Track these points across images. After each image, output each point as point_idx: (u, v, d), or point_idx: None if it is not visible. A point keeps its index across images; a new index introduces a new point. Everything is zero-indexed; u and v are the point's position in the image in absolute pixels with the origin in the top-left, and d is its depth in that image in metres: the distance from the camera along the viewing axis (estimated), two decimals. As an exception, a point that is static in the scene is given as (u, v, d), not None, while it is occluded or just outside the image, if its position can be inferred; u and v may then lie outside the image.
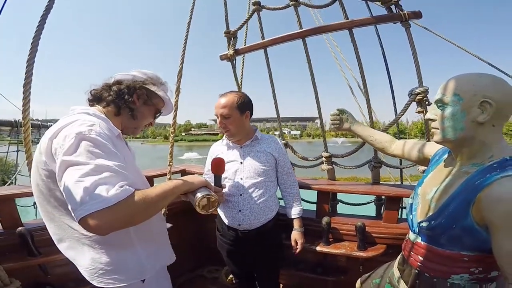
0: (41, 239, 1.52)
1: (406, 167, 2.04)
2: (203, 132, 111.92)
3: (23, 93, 1.39)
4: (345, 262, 1.88)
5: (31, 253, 1.51)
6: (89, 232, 0.87)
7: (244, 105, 1.54)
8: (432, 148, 1.17)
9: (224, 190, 1.57)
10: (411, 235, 1.04)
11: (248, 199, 1.54)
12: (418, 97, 1.72)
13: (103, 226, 0.75)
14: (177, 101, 1.90)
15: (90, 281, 0.99)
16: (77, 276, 1.60)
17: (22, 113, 1.42)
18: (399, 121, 2.08)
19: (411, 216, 1.04)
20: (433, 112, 0.95)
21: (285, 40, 2.11)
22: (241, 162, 1.58)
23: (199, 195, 1.03)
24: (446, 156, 1.03)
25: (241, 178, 1.55)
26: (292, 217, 1.66)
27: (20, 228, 1.51)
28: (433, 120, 0.94)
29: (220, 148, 1.69)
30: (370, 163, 2.04)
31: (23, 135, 1.43)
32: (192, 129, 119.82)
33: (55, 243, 1.01)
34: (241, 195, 1.54)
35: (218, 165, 1.36)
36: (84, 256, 0.97)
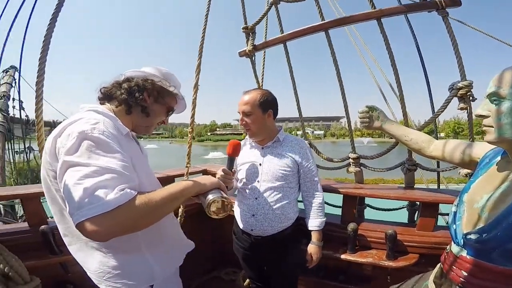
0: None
1: (445, 170, 1.84)
2: (227, 132, 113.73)
3: (36, 91, 1.39)
4: (370, 271, 1.74)
5: (52, 251, 1.53)
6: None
7: (267, 103, 1.48)
8: (480, 149, 1.02)
9: (241, 192, 1.54)
10: (454, 248, 0.91)
11: (263, 204, 1.45)
12: (461, 92, 1.53)
13: (102, 233, 0.70)
14: (195, 98, 1.84)
15: (98, 285, 0.96)
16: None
17: (36, 111, 1.42)
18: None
19: (454, 226, 0.91)
20: (485, 107, 0.83)
21: (306, 33, 2.00)
22: (260, 164, 1.50)
23: (210, 197, 0.95)
24: (498, 158, 0.89)
25: (258, 181, 1.48)
26: (311, 229, 1.53)
27: (43, 226, 1.53)
28: (485, 117, 0.82)
29: (243, 148, 1.63)
30: (404, 165, 1.86)
31: (36, 134, 1.43)
32: (217, 129, 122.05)
33: (66, 244, 1.00)
34: (256, 198, 1.47)
35: (235, 148, 1.32)
36: (92, 259, 0.95)
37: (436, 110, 1.72)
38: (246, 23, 2.25)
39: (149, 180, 1.02)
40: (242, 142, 1.66)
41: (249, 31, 2.22)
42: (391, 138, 1.47)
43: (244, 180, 1.53)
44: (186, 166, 1.94)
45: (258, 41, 2.26)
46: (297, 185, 1.55)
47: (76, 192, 0.70)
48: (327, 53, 2.01)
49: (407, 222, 1.95)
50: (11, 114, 6.48)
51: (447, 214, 1.62)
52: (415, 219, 1.90)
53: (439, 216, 1.83)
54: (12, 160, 6.49)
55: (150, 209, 0.77)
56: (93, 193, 0.70)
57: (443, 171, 1.93)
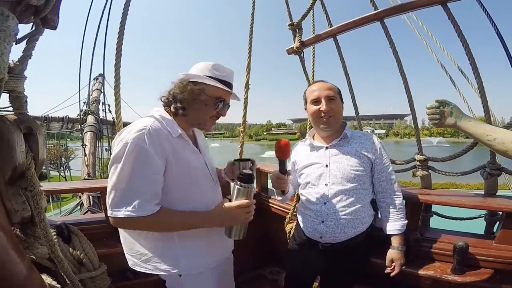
0: (131, 227, 1.72)
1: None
2: (282, 132, 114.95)
3: (114, 94, 1.61)
4: (429, 285, 1.53)
5: (120, 240, 1.71)
6: None
7: (341, 94, 1.46)
8: None
9: (305, 198, 1.45)
10: None
11: (333, 209, 1.33)
12: None
13: (116, 225, 1.04)
14: (246, 97, 1.85)
15: (133, 267, 1.16)
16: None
17: (115, 112, 1.66)
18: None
19: None
20: None
21: (358, 24, 1.86)
22: (327, 165, 1.38)
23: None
24: None
25: (326, 184, 1.36)
26: (391, 233, 1.38)
27: None
28: None
29: (303, 149, 1.54)
30: (484, 169, 1.61)
31: (117, 132, 1.68)
32: (273, 128, 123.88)
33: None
34: (325, 203, 1.35)
35: (283, 149, 1.21)
36: (131, 243, 1.14)
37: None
38: (291, 19, 2.20)
39: (197, 172, 1.14)
40: (301, 143, 1.59)
41: (295, 27, 2.16)
42: (467, 137, 1.25)
43: (309, 184, 1.42)
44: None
45: (305, 36, 2.19)
46: (371, 185, 1.41)
47: (110, 190, 0.99)
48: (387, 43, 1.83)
49: (483, 233, 1.67)
50: (101, 117, 7.54)
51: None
52: (494, 230, 1.60)
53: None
54: (101, 157, 7.57)
55: (159, 228, 1.06)
56: (125, 196, 0.97)
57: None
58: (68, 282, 1.01)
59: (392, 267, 1.36)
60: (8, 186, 0.84)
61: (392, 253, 1.37)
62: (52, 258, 0.97)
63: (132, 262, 1.15)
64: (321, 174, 1.38)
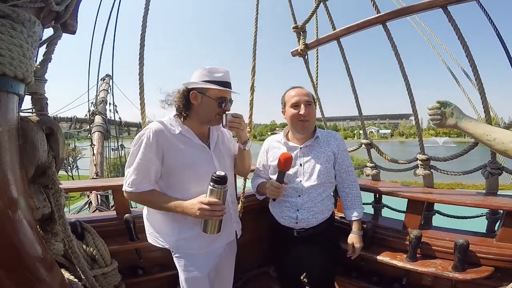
0: (141, 225, 1.69)
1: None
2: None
3: (139, 94, 1.75)
4: (431, 282, 1.58)
5: (131, 237, 1.73)
6: None
7: (315, 101, 1.57)
8: None
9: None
10: None
11: (306, 200, 1.49)
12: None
13: (125, 196, 1.32)
14: (252, 99, 1.90)
15: (148, 238, 1.41)
16: (163, 261, 1.73)
17: (141, 114, 1.82)
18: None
19: None
20: None
21: (361, 27, 1.90)
22: (301, 164, 1.53)
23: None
24: None
25: (300, 181, 1.51)
26: (350, 219, 1.56)
27: (127, 215, 1.74)
28: None
29: (278, 146, 1.61)
30: (485, 169, 1.64)
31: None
32: (277, 128, 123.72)
33: None
34: (299, 196, 1.50)
35: (286, 162, 1.36)
36: (147, 216, 1.42)
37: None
38: (295, 22, 2.25)
39: (189, 165, 1.30)
40: (275, 138, 1.66)
41: (300, 30, 2.21)
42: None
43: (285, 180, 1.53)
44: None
45: (309, 39, 2.24)
46: (334, 178, 1.58)
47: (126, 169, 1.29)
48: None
49: (484, 231, 1.69)
50: (108, 117, 7.64)
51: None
52: (495, 229, 1.63)
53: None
54: (108, 156, 7.61)
55: (142, 203, 1.35)
56: (126, 175, 1.26)
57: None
58: (83, 277, 1.06)
59: (352, 250, 1.53)
60: (30, 184, 0.90)
61: (352, 238, 1.54)
62: (66, 254, 1.03)
63: (148, 235, 1.42)
64: (296, 172, 1.52)
